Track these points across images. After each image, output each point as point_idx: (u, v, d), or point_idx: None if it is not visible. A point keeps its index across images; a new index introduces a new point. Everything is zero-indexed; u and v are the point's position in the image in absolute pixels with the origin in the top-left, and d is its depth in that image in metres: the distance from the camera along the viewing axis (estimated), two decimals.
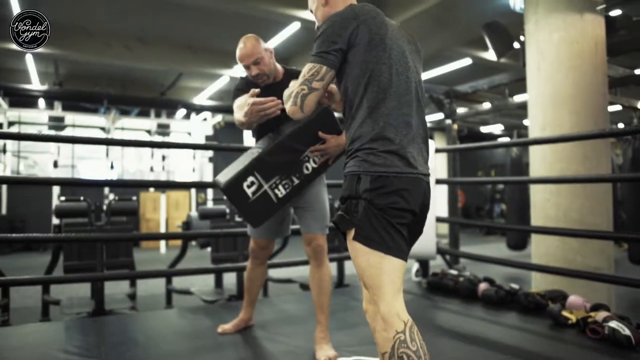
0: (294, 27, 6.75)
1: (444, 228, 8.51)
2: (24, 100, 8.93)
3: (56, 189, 9.08)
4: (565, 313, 2.52)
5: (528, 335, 2.47)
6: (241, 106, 2.03)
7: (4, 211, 9.50)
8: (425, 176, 1.38)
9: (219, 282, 4.24)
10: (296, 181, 2.05)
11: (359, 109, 1.37)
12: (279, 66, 2.21)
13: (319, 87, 1.40)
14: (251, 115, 1.90)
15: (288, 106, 1.43)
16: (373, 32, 1.38)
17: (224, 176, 2.02)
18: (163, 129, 10.68)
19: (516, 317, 2.76)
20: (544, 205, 3.82)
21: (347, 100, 1.42)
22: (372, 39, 1.37)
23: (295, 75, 2.15)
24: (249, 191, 1.97)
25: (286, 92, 1.48)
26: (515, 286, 3.04)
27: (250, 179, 1.97)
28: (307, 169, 2.07)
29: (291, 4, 6.06)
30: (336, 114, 2.14)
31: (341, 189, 1.40)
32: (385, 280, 1.28)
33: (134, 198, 3.94)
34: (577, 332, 2.40)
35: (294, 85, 1.44)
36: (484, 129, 13.43)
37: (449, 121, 6.04)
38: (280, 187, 2.02)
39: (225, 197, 2.09)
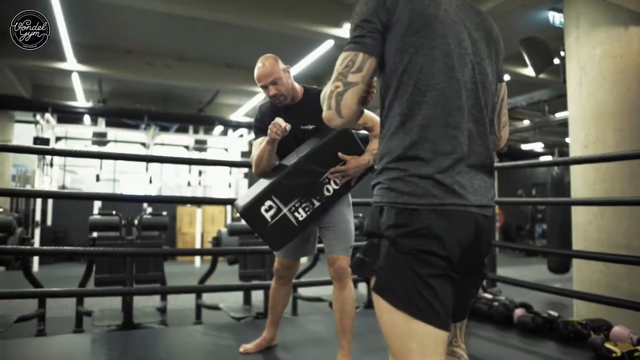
0: (327, 45, 6.80)
1: None
2: (70, 116, 9.36)
3: (98, 202, 9.41)
4: (608, 345, 2.35)
5: None
6: (257, 146, 2.11)
7: (49, 222, 9.90)
8: (479, 208, 1.03)
9: (247, 299, 4.22)
10: (317, 203, 2.00)
11: (389, 116, 1.07)
12: (297, 86, 2.18)
13: (358, 80, 1.04)
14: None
15: (323, 112, 1.08)
16: (416, 11, 1.03)
17: (243, 200, 2.00)
18: (201, 145, 10.91)
19: (554, 348, 2.59)
20: (586, 227, 3.62)
21: (380, 102, 1.11)
22: (412, 20, 1.02)
23: (314, 94, 2.14)
24: (268, 215, 1.94)
25: (321, 95, 1.14)
26: (554, 313, 2.87)
27: (268, 203, 1.94)
28: (328, 190, 2.02)
29: (325, 23, 6.11)
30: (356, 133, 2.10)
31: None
32: (413, 350, 0.96)
33: (164, 213, 4.01)
34: None
35: (326, 87, 1.11)
36: (525, 147, 13.03)
37: None
38: (300, 210, 1.98)
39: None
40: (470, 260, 1.05)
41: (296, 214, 1.98)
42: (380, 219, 1.03)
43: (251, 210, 1.94)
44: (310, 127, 2.11)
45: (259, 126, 2.21)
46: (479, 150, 1.06)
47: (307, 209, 1.99)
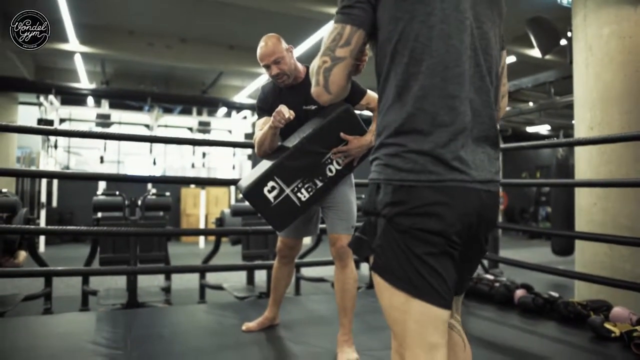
0: (331, 26, 6.73)
1: None
2: (74, 98, 9.34)
3: (103, 183, 9.47)
4: (608, 325, 2.37)
5: (566, 347, 2.34)
6: (262, 125, 2.10)
7: (54, 203, 9.98)
8: (483, 184, 0.99)
9: (250, 279, 4.26)
10: (320, 184, 2.01)
11: (385, 88, 1.02)
12: (300, 66, 2.17)
13: (346, 54, 1.01)
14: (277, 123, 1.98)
15: (312, 88, 1.06)
16: None
17: (245, 181, 2.01)
18: (204, 127, 10.89)
19: (554, 328, 2.62)
20: (589, 209, 3.60)
21: (377, 76, 1.06)
22: None
23: None
24: (270, 196, 1.94)
25: (310, 70, 1.12)
26: (554, 294, 2.89)
27: (271, 183, 1.94)
28: (330, 171, 2.03)
29: (328, 2, 6.04)
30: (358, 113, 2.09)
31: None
32: (412, 329, 0.95)
33: (167, 194, 4.03)
34: (621, 346, 2.24)
35: (315, 61, 1.07)
36: (530, 129, 12.94)
37: None
38: (303, 190, 1.99)
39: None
40: (472, 237, 1.01)
41: (299, 194, 1.98)
42: (377, 197, 0.99)
43: (254, 191, 1.95)
44: (313, 107, 2.10)
45: (262, 106, 2.21)
46: (482, 120, 1.01)
47: (309, 190, 2.00)
